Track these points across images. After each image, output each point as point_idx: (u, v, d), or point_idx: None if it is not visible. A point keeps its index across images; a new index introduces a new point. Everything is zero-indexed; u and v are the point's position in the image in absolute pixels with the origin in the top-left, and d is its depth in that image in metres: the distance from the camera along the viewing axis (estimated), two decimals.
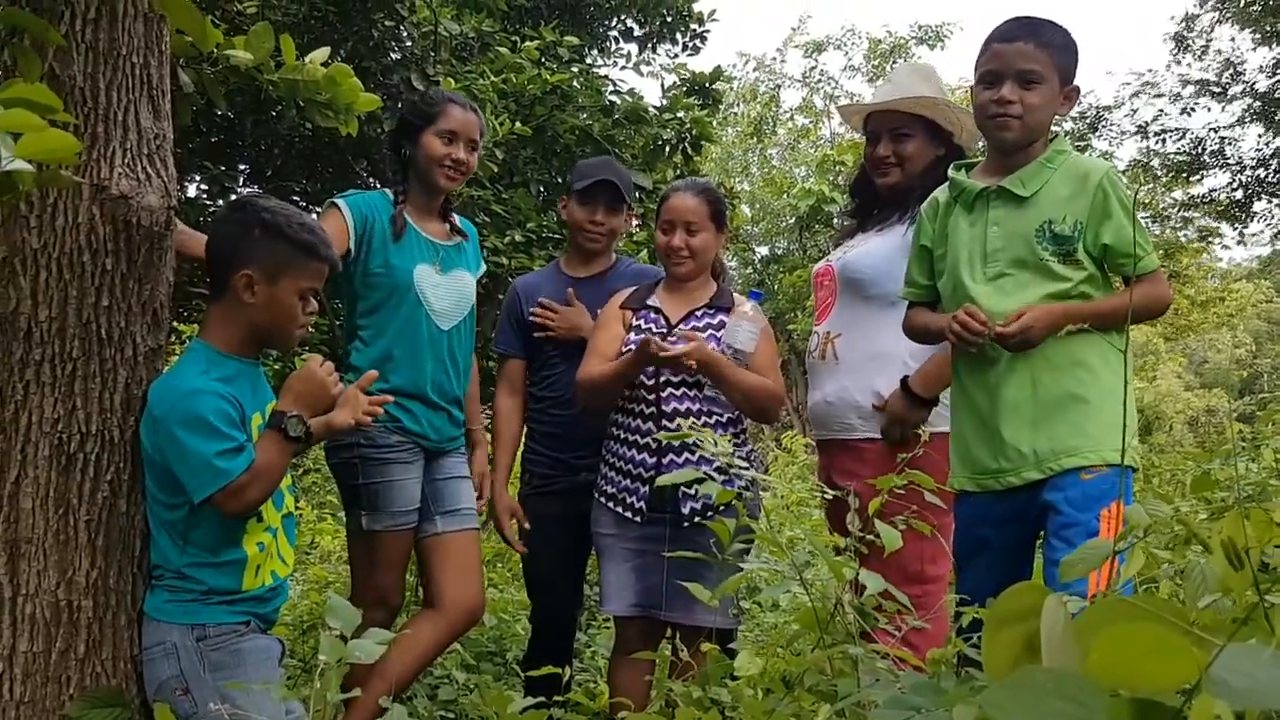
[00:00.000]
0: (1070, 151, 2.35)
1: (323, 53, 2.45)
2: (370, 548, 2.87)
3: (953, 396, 2.47)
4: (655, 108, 4.63)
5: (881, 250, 2.78)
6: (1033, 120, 2.30)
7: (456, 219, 3.12)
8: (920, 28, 21.51)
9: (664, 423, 2.85)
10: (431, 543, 2.92)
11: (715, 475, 2.29)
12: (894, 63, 20.66)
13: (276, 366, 4.23)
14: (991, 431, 2.30)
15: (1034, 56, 2.28)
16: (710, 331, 2.94)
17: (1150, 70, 16.19)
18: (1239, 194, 16.04)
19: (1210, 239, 18.63)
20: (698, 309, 3.00)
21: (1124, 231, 2.20)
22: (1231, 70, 15.56)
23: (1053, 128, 2.41)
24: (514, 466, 3.44)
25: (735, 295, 3.05)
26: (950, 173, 2.48)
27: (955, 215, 2.42)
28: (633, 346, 2.89)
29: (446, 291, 2.95)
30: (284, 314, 2.20)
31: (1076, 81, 2.38)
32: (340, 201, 2.86)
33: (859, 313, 2.79)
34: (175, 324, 4.15)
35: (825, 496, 1.96)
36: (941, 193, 2.49)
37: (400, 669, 2.59)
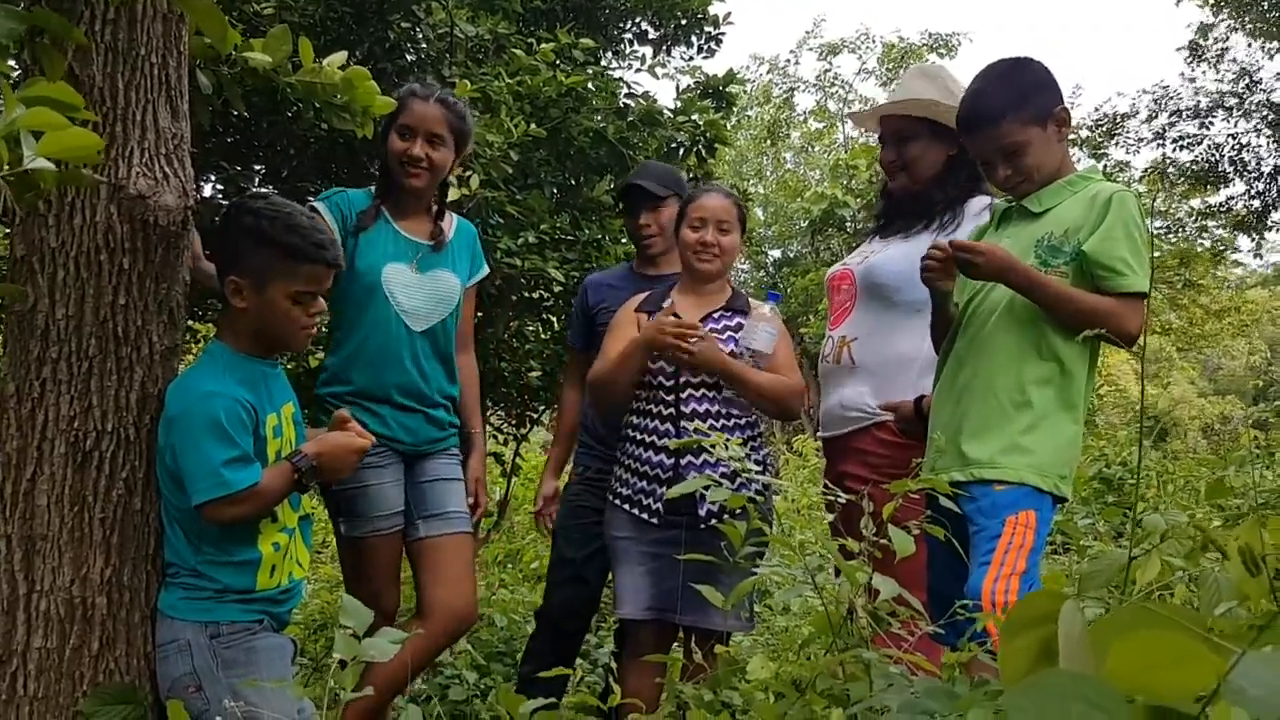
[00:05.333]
0: (1097, 180, 2.35)
1: (340, 56, 2.45)
2: (354, 553, 2.84)
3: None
4: (670, 110, 4.62)
5: (907, 258, 2.70)
6: (1037, 178, 2.35)
7: (450, 221, 3.04)
8: (931, 35, 21.53)
9: (683, 424, 2.85)
10: (416, 547, 2.87)
11: (729, 479, 2.28)
12: (907, 67, 20.65)
13: (289, 366, 4.23)
14: (944, 430, 2.30)
15: (1009, 133, 2.32)
16: (728, 334, 2.94)
17: (1164, 84, 16.05)
18: (1256, 203, 15.92)
19: (1223, 255, 18.42)
20: (714, 311, 2.99)
21: (1107, 244, 2.19)
22: (1248, 79, 15.45)
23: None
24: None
25: (751, 299, 3.05)
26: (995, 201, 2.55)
27: (987, 235, 2.48)
28: None
29: (420, 292, 2.88)
30: (276, 320, 2.17)
31: (1066, 103, 2.40)
32: (318, 204, 2.82)
33: (880, 318, 2.80)
34: (191, 323, 4.16)
35: (840, 502, 1.94)
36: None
37: (386, 674, 2.54)
